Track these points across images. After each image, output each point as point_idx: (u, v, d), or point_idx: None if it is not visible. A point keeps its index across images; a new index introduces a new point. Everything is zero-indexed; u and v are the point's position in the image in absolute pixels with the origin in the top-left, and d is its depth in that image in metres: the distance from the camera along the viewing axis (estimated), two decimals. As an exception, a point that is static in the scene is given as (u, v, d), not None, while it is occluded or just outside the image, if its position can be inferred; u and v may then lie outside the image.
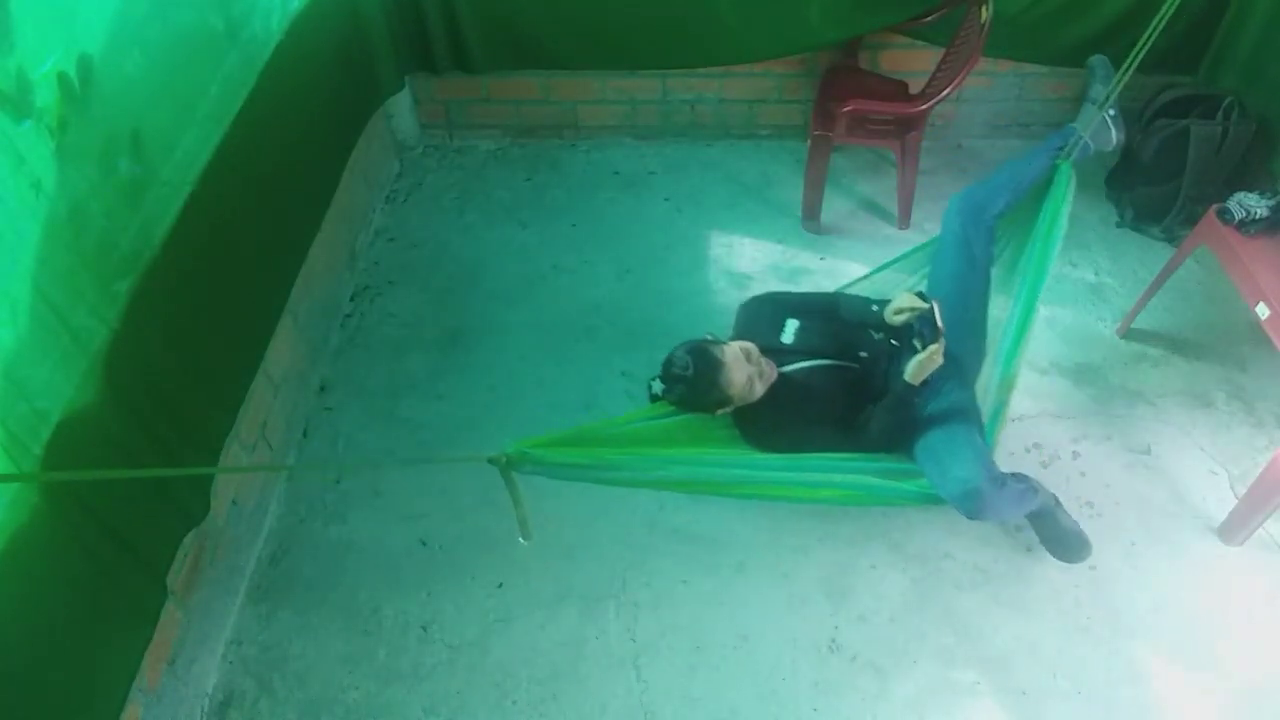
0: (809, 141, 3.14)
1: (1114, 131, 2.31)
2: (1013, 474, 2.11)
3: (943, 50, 3.12)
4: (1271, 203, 2.39)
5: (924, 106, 2.92)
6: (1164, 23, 1.93)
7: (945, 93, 2.85)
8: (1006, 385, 2.17)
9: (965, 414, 2.12)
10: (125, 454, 1.66)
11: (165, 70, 1.90)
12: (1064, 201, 2.20)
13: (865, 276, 2.52)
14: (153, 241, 1.81)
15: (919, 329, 2.03)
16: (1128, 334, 2.83)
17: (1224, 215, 2.43)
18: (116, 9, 1.74)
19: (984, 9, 2.84)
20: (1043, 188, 2.25)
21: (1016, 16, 3.07)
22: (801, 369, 2.14)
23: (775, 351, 2.11)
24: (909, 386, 1.99)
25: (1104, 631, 2.15)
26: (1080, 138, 2.22)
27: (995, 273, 2.31)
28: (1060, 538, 2.23)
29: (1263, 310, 2.26)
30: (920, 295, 2.12)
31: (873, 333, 2.19)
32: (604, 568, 2.30)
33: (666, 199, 3.46)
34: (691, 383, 1.95)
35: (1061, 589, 2.22)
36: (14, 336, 1.43)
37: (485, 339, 2.92)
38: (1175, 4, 1.90)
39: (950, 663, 2.11)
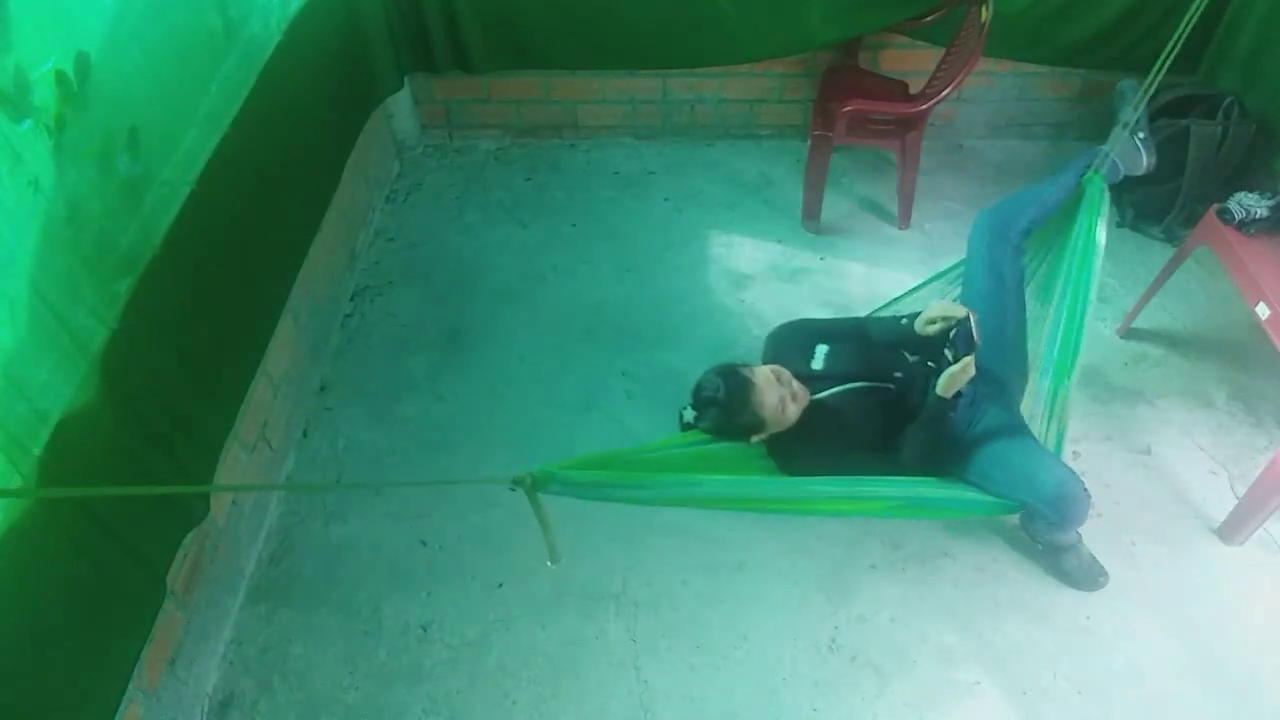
0: (809, 141, 3.14)
1: (1144, 154, 2.28)
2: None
3: (943, 50, 3.12)
4: (1271, 203, 2.39)
5: (924, 106, 2.92)
6: (1185, 35, 1.90)
7: (945, 93, 2.85)
8: (1064, 409, 2.12)
9: (1023, 429, 2.09)
10: (125, 454, 1.66)
11: (164, 70, 1.90)
12: (1098, 214, 2.14)
13: (894, 300, 2.50)
14: (152, 241, 1.81)
15: (953, 339, 1.94)
16: (1128, 334, 2.83)
17: (1224, 215, 2.43)
18: (115, 8, 1.73)
19: (984, 9, 2.84)
20: (1074, 202, 2.20)
21: (1016, 16, 3.07)
22: (835, 394, 2.09)
23: (807, 378, 2.07)
24: (942, 401, 1.93)
25: (1104, 631, 2.15)
26: (1108, 155, 2.17)
27: (1030, 291, 2.27)
28: (1081, 568, 2.19)
29: (1263, 310, 2.26)
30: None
31: (906, 354, 2.15)
32: (604, 568, 2.30)
33: (666, 199, 3.46)
34: (723, 405, 1.92)
35: (1061, 589, 2.22)
36: (13, 337, 1.43)
37: (485, 339, 2.92)
38: (1198, 12, 1.87)
39: (950, 663, 2.11)
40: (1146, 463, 2.49)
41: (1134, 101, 2.13)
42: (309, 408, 2.70)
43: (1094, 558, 2.21)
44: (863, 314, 2.60)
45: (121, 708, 1.66)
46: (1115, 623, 2.16)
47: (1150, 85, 2.01)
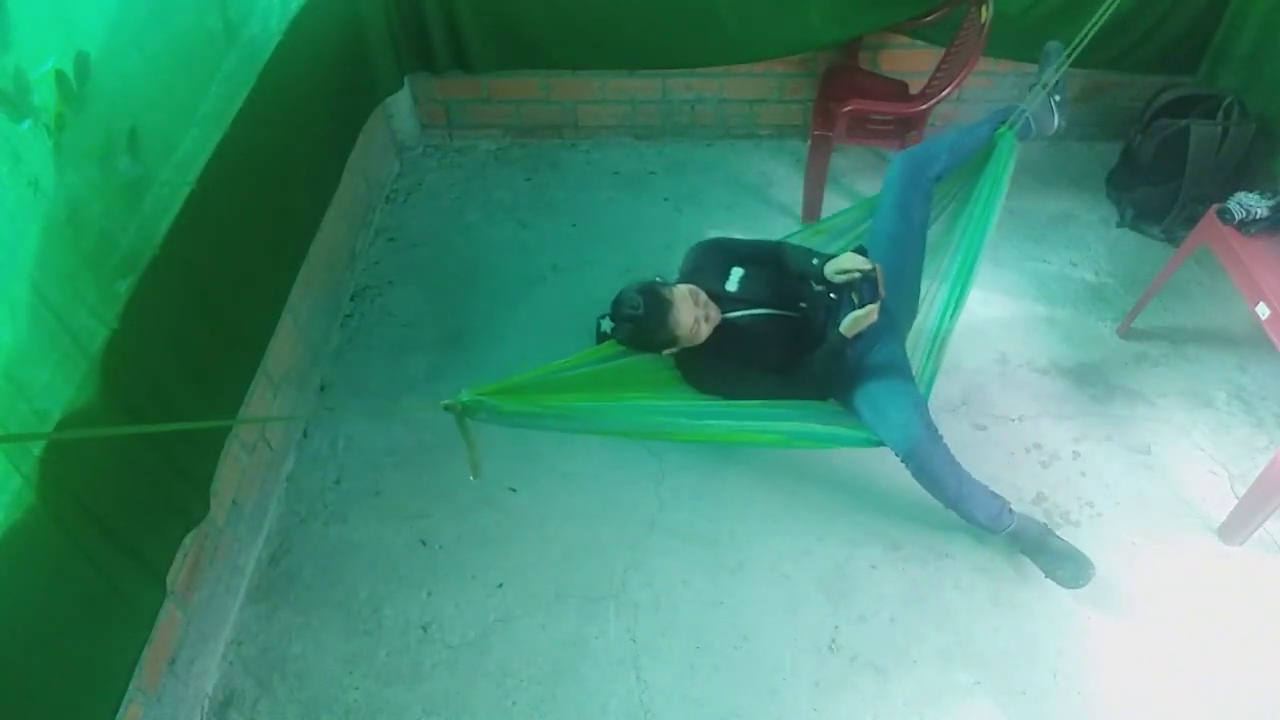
0: (809, 141, 3.15)
1: (1056, 116, 2.37)
2: (991, 492, 2.16)
3: (943, 50, 3.12)
4: (1271, 203, 2.38)
5: (924, 106, 2.92)
6: (1106, 16, 1.99)
7: (945, 93, 2.85)
8: (941, 349, 2.27)
9: (901, 368, 2.23)
10: (125, 454, 1.66)
11: (164, 70, 1.90)
12: (1006, 168, 2.28)
13: (806, 228, 2.58)
14: (152, 241, 1.81)
15: (859, 285, 2.14)
16: (1128, 334, 2.83)
17: (1224, 215, 2.42)
18: (115, 8, 1.74)
19: (984, 9, 2.84)
20: (985, 155, 2.32)
21: (1016, 16, 3.07)
22: (744, 316, 2.22)
23: (719, 298, 2.20)
24: (843, 338, 2.09)
25: (1104, 632, 2.15)
26: (1024, 113, 2.28)
27: (932, 233, 2.38)
28: (1058, 563, 2.17)
29: (1263, 310, 2.26)
30: (860, 252, 2.23)
31: (813, 285, 2.27)
32: (604, 568, 2.30)
33: (666, 199, 3.46)
34: (641, 322, 2.04)
35: (1061, 589, 2.21)
36: (13, 337, 1.43)
37: (485, 339, 2.92)
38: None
39: (950, 663, 2.11)
40: (1146, 463, 2.49)
41: (1056, 63, 2.22)
42: (309, 408, 2.70)
43: (1076, 553, 2.16)
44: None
45: (122, 708, 1.66)
46: (1115, 623, 2.16)
47: (1075, 49, 2.09)
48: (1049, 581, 2.20)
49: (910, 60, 3.34)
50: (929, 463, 2.07)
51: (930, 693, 2.06)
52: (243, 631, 2.20)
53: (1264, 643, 2.13)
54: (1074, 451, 2.51)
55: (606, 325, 2.16)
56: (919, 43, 3.26)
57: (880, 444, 2.12)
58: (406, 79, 3.38)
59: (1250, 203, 2.39)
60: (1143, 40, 3.12)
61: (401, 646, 2.17)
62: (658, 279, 2.14)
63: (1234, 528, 2.28)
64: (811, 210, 3.24)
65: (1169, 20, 3.10)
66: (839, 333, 2.09)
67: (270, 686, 2.11)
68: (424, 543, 2.37)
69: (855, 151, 3.56)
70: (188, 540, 1.92)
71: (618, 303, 2.08)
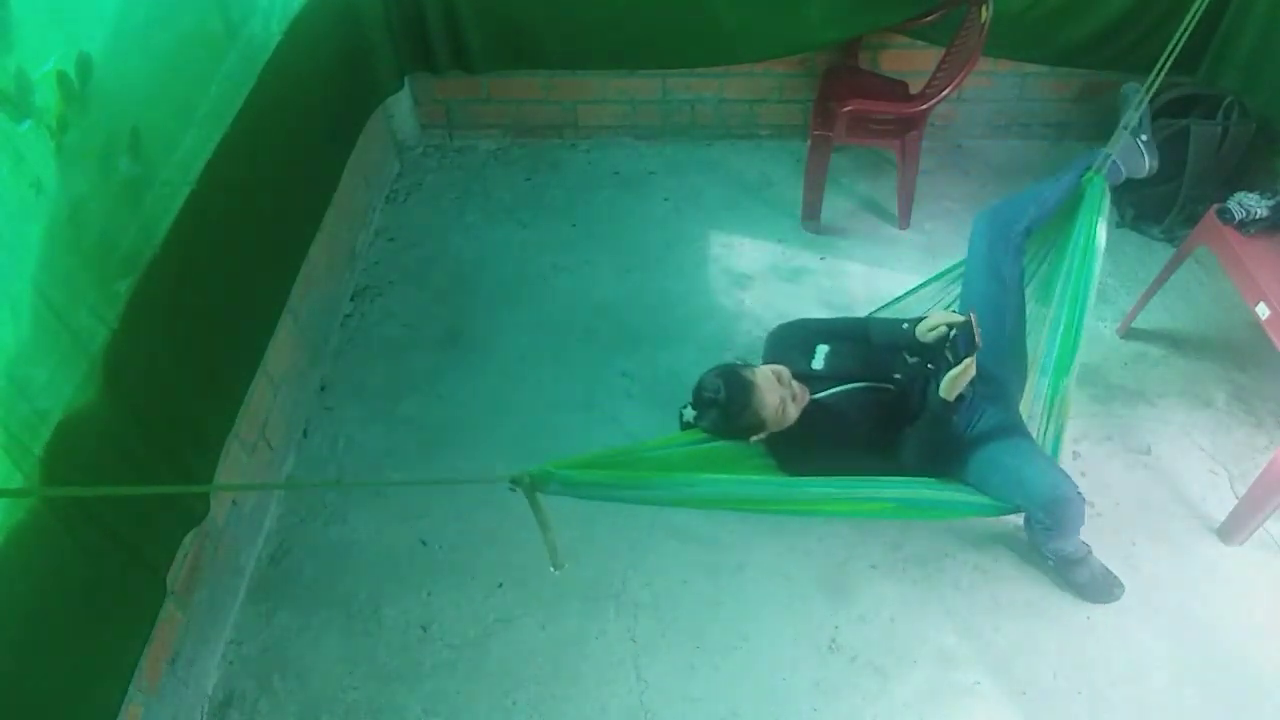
0: (809, 141, 3.14)
1: (1146, 157, 2.27)
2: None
3: (943, 50, 3.12)
4: (1271, 203, 2.39)
5: (924, 106, 2.92)
6: (1187, 34, 1.91)
7: (945, 93, 2.85)
8: (1062, 408, 2.14)
9: (1020, 430, 2.11)
10: (125, 454, 1.66)
11: (165, 70, 1.89)
12: (1098, 213, 2.14)
13: (895, 300, 2.50)
14: (152, 241, 1.81)
15: (953, 341, 1.96)
16: (1128, 334, 2.83)
17: (1224, 215, 2.43)
18: (117, 9, 1.73)
19: (984, 9, 2.84)
20: (1074, 202, 2.19)
21: (1016, 16, 3.07)
22: (835, 394, 2.10)
23: (806, 378, 2.08)
24: (944, 403, 1.94)
25: (1104, 632, 2.15)
26: (1109, 157, 2.17)
27: (1030, 290, 2.27)
28: (1094, 581, 2.18)
29: (1263, 310, 2.26)
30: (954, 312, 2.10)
31: (906, 355, 2.14)
32: (604, 568, 2.30)
33: (666, 199, 3.46)
34: (724, 407, 1.91)
35: (1061, 589, 2.22)
36: (14, 337, 1.43)
37: (485, 339, 2.92)
38: (1199, 12, 1.88)
39: (950, 663, 2.11)
40: (1146, 463, 2.49)
41: (1135, 103, 2.13)
42: (309, 408, 2.70)
43: (1106, 569, 2.20)
44: (863, 313, 2.60)
45: (122, 708, 1.66)
46: (1115, 623, 2.16)
47: (1150, 86, 2.02)
48: (1048, 581, 2.20)
49: (910, 60, 3.34)
50: (1071, 518, 1.98)
51: (930, 693, 2.06)
52: (243, 631, 2.20)
53: (1264, 642, 2.13)
54: (1074, 451, 2.51)
55: (689, 415, 2.01)
56: (919, 43, 3.26)
57: (1013, 510, 2.02)
58: (407, 79, 3.38)
59: (1250, 203, 2.39)
60: (1143, 40, 3.12)
61: (401, 646, 2.17)
62: (738, 361, 2.04)
63: (1234, 528, 2.28)
64: (811, 210, 3.24)
65: (1169, 20, 3.09)
66: (939, 397, 1.94)
67: (270, 686, 2.11)
68: (424, 543, 2.37)
69: (855, 151, 3.56)
70: (188, 540, 1.92)
71: (698, 389, 1.97)
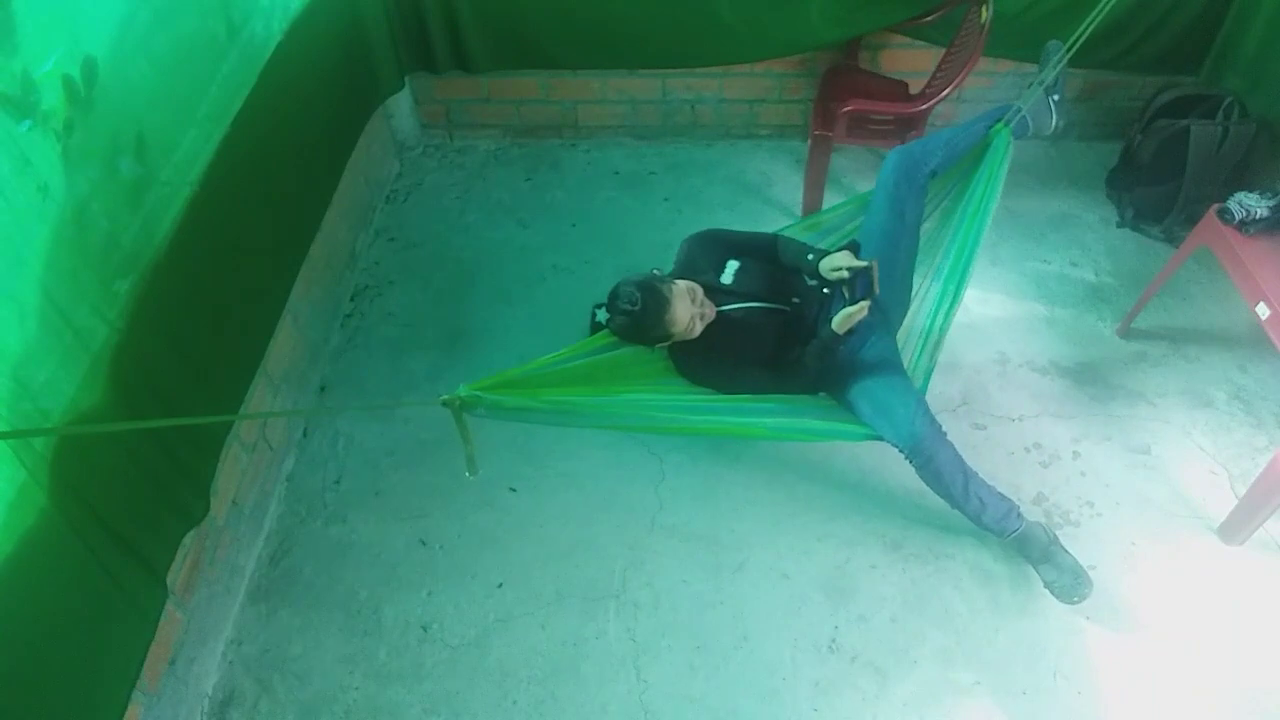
0: (809, 141, 3.15)
1: (1054, 115, 2.36)
2: (1000, 493, 2.16)
3: (943, 50, 3.12)
4: (1271, 203, 2.39)
5: (924, 106, 2.92)
6: (1102, 15, 1.98)
7: (945, 93, 2.85)
8: (936, 345, 2.29)
9: (895, 364, 2.25)
10: (127, 452, 1.67)
11: (167, 71, 1.90)
12: (1001, 165, 2.27)
13: (802, 221, 2.58)
14: (154, 241, 1.81)
15: (852, 283, 2.17)
16: (1128, 334, 2.83)
17: (1224, 215, 2.43)
18: (120, 12, 1.74)
19: (984, 9, 2.85)
20: (979, 152, 2.31)
21: (1016, 16, 3.07)
22: (738, 309, 2.23)
23: (714, 291, 2.22)
24: (835, 334, 2.11)
25: (1104, 632, 2.15)
26: (1020, 111, 2.28)
27: (925, 229, 2.39)
28: (1058, 574, 2.14)
29: (1263, 310, 2.26)
30: (853, 247, 2.27)
31: (807, 279, 2.30)
32: (604, 568, 2.30)
33: (666, 199, 3.46)
34: (637, 317, 2.04)
35: (1061, 589, 2.22)
36: (20, 337, 1.44)
37: (485, 339, 2.92)
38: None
39: (950, 663, 2.11)
40: (1146, 463, 2.49)
41: (1054, 61, 2.20)
42: (309, 407, 2.70)
43: (1078, 568, 2.15)
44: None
45: (122, 708, 1.67)
46: (1115, 623, 2.16)
47: (1072, 46, 2.06)
48: (1048, 583, 2.20)
49: (910, 60, 3.34)
50: (935, 458, 2.07)
51: (930, 693, 2.06)
52: (243, 631, 2.20)
53: (1264, 642, 2.13)
54: (1074, 451, 2.51)
55: (602, 316, 2.17)
56: (919, 43, 3.26)
57: (878, 438, 2.13)
58: (407, 79, 3.38)
59: (1250, 203, 2.39)
60: (1143, 40, 3.12)
61: (401, 646, 2.17)
62: (655, 272, 2.14)
63: (1234, 528, 2.29)
64: (812, 210, 3.24)
65: (1169, 20, 3.10)
66: (830, 329, 2.11)
67: (270, 686, 2.11)
68: (424, 543, 2.37)
69: (855, 151, 3.56)
70: (188, 540, 1.92)
71: (615, 296, 2.08)
